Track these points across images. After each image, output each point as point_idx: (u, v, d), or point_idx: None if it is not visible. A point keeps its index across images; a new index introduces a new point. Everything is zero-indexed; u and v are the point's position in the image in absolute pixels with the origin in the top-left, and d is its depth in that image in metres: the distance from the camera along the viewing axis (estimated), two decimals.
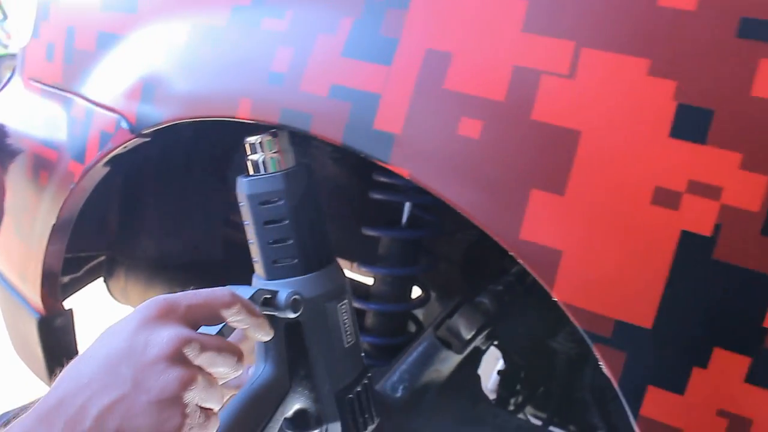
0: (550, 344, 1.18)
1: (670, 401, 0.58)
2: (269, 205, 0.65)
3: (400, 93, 0.67)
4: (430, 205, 1.04)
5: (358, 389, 0.68)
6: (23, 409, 1.21)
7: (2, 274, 1.42)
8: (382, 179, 1.02)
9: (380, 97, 0.68)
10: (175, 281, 1.44)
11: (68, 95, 1.10)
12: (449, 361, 1.03)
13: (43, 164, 1.13)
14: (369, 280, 1.30)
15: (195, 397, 0.53)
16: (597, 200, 0.59)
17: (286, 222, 0.65)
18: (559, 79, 0.60)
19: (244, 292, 0.60)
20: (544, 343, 1.19)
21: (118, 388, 0.52)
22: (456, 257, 1.25)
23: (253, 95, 0.77)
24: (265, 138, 0.66)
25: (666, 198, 0.57)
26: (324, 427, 0.67)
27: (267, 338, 0.62)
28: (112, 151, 0.98)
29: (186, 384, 0.53)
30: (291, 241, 0.65)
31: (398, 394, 1.03)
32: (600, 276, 0.60)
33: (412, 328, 1.18)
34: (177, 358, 0.53)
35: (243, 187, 0.66)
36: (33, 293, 1.25)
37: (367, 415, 0.69)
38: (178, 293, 0.58)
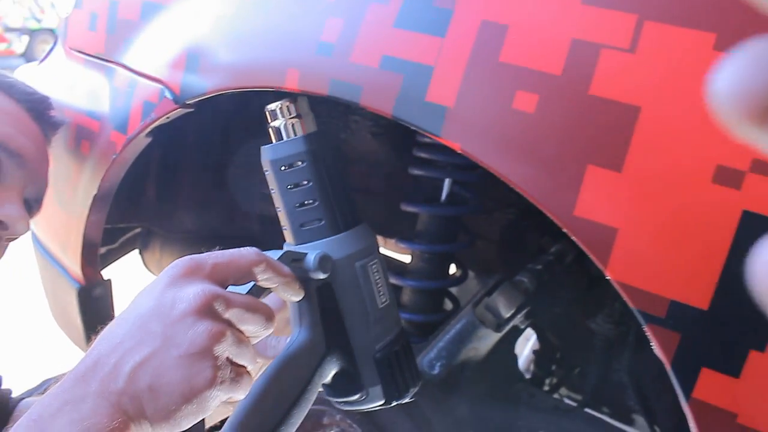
0: (588, 325, 1.17)
1: (725, 384, 0.57)
2: (292, 169, 0.65)
3: (454, 65, 0.66)
4: (469, 182, 1.04)
5: (396, 349, 0.68)
6: (62, 376, 1.24)
7: (43, 244, 1.44)
8: (422, 155, 1.01)
9: (433, 68, 0.67)
10: None
11: (111, 65, 1.10)
12: (487, 340, 1.02)
13: (85, 134, 1.14)
14: (405, 258, 1.29)
15: (225, 350, 0.54)
16: (655, 177, 0.58)
17: (310, 184, 0.65)
18: (620, 53, 0.59)
19: (272, 254, 0.60)
20: (582, 323, 1.18)
21: (149, 345, 0.53)
22: (494, 236, 1.24)
23: (301, 66, 0.77)
24: (285, 104, 0.67)
25: (728, 177, 0.55)
26: (365, 391, 0.66)
27: (297, 298, 0.62)
28: (155, 121, 0.98)
29: (215, 337, 0.53)
30: (316, 203, 0.65)
31: (435, 371, 1.03)
32: (656, 255, 0.58)
33: (449, 305, 1.18)
34: (205, 311, 0.54)
35: (266, 154, 0.67)
36: (73, 263, 1.27)
37: (407, 376, 0.69)
38: (205, 253, 0.59)
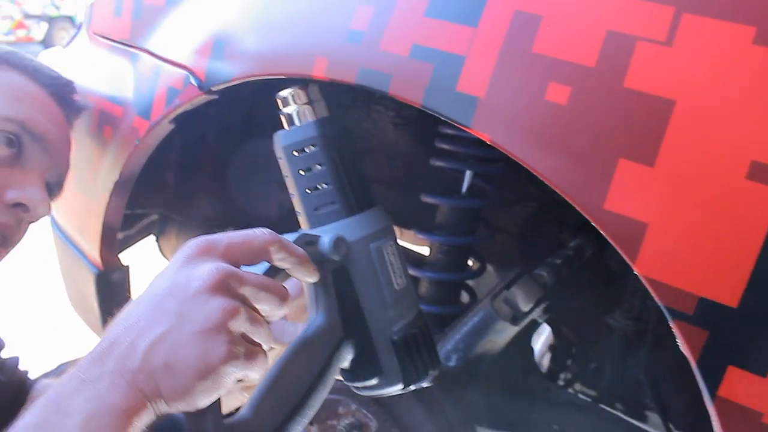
0: (606, 321, 1.17)
1: (752, 383, 0.56)
2: (304, 153, 0.66)
3: (486, 55, 0.65)
4: (491, 174, 1.03)
5: (414, 332, 0.67)
6: (79, 360, 1.24)
7: (62, 227, 1.45)
8: (444, 146, 1.01)
9: (464, 58, 0.66)
10: None
11: (135, 51, 1.10)
12: (505, 333, 1.02)
13: (108, 119, 1.14)
14: (423, 250, 1.29)
15: (240, 327, 0.54)
16: (688, 173, 0.57)
17: (322, 167, 0.66)
18: (656, 46, 0.58)
19: (287, 237, 0.61)
20: (600, 319, 1.18)
21: (164, 323, 0.53)
22: (513, 229, 1.24)
23: (330, 54, 0.76)
24: (296, 90, 0.68)
25: (763, 173, 0.55)
26: (384, 375, 0.66)
27: (313, 279, 0.62)
28: (180, 107, 0.98)
29: (229, 313, 0.53)
30: (329, 186, 0.66)
31: (452, 363, 1.03)
32: (686, 251, 0.58)
33: (466, 298, 1.18)
34: (219, 288, 0.54)
35: (278, 140, 0.68)
36: (92, 248, 1.27)
37: (426, 359, 0.68)
38: (218, 234, 0.59)
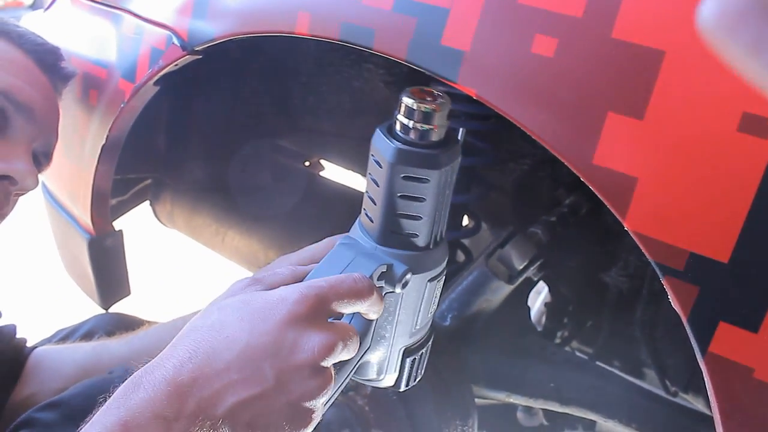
0: (602, 278, 1.16)
1: (743, 339, 0.56)
2: (413, 182, 0.59)
3: (470, 7, 0.63)
4: (484, 132, 1.01)
5: (422, 351, 0.69)
6: (76, 328, 1.23)
7: (53, 194, 1.44)
8: None
9: (449, 11, 0.64)
10: (221, 206, 1.45)
11: (117, 11, 1.08)
12: (499, 292, 1.02)
13: (93, 83, 1.12)
14: None
15: (324, 398, 0.56)
16: (678, 125, 0.56)
17: (425, 202, 0.60)
18: None
19: (367, 265, 0.60)
20: (595, 276, 1.17)
21: (259, 384, 0.52)
22: (507, 187, 1.22)
23: (313, 9, 0.74)
24: (424, 106, 0.58)
25: (754, 125, 0.53)
26: (382, 376, 0.68)
27: (376, 316, 0.62)
28: (164, 68, 0.96)
29: (323, 390, 0.55)
30: (419, 221, 0.61)
31: (447, 323, 1.03)
32: (676, 206, 0.57)
33: (461, 257, 1.17)
34: (323, 365, 0.55)
35: (389, 152, 0.59)
36: (83, 214, 1.27)
37: (419, 373, 0.70)
38: (320, 278, 0.58)
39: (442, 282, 0.67)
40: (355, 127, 1.29)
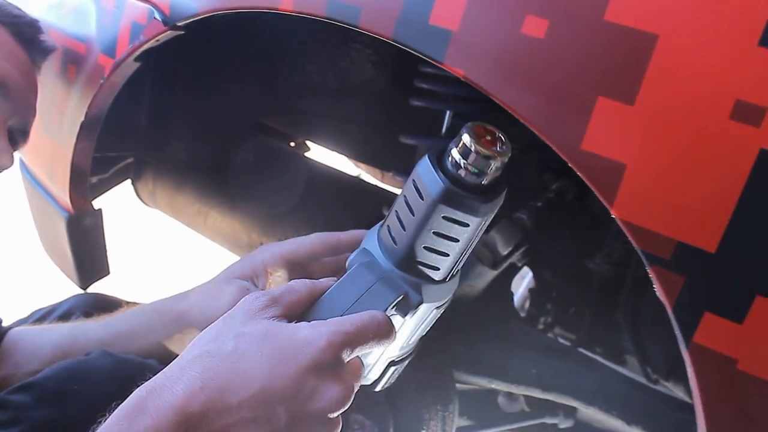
0: (587, 265, 1.16)
1: (727, 329, 0.55)
2: (452, 224, 0.58)
3: None
4: (471, 114, 1.00)
5: (405, 363, 0.70)
6: (53, 308, 1.21)
7: (31, 171, 1.41)
8: (424, 86, 0.97)
9: None
10: (204, 186, 1.42)
11: None
12: (484, 277, 1.01)
13: (72, 58, 1.09)
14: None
15: None
16: (669, 112, 0.55)
17: (456, 244, 0.60)
18: None
19: (385, 295, 0.60)
20: (580, 263, 1.16)
21: (270, 426, 0.52)
22: None
23: None
24: (484, 151, 0.56)
25: (747, 113, 0.52)
26: (367, 377, 0.69)
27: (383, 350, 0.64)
28: (144, 44, 0.93)
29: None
30: (446, 258, 0.61)
31: None
32: (665, 194, 0.56)
33: None
34: (336, 416, 0.55)
35: (436, 189, 0.57)
36: (61, 192, 1.24)
37: (394, 382, 0.72)
38: (347, 322, 0.57)
39: (443, 308, 0.67)
40: (341, 107, 1.27)
